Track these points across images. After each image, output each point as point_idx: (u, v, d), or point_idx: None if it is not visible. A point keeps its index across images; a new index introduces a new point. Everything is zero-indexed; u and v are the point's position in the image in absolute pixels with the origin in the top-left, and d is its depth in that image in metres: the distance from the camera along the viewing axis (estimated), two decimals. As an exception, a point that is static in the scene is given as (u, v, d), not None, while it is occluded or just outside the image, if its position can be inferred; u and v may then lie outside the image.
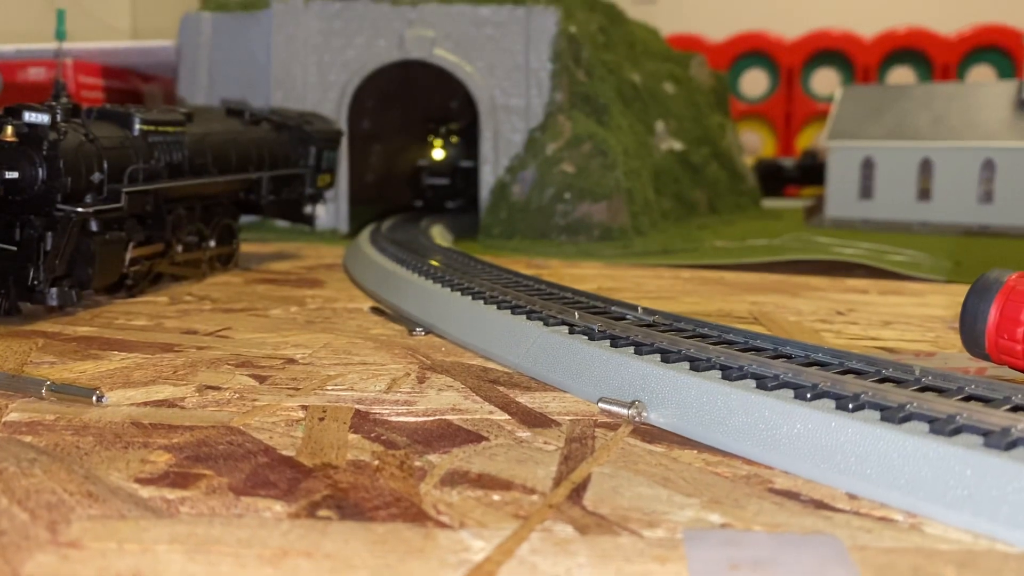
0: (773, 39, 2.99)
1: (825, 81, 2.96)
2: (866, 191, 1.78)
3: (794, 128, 2.97)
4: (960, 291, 0.96)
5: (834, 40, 2.92)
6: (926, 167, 1.72)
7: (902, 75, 2.90)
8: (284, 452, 0.43)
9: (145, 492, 0.38)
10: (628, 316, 0.62)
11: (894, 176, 1.74)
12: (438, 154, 1.66)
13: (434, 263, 0.87)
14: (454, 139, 1.66)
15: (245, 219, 1.23)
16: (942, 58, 2.82)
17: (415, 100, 1.72)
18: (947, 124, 1.73)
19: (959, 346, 0.68)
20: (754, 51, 3.00)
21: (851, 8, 3.08)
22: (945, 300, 0.91)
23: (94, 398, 0.51)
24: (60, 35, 1.05)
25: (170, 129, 0.89)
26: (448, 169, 1.66)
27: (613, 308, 0.64)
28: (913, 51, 2.86)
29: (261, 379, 0.57)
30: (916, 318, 0.81)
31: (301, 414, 0.50)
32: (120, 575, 0.31)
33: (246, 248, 1.13)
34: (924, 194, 1.73)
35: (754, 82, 3.03)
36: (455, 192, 1.66)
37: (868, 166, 1.77)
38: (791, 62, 2.95)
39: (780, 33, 2.99)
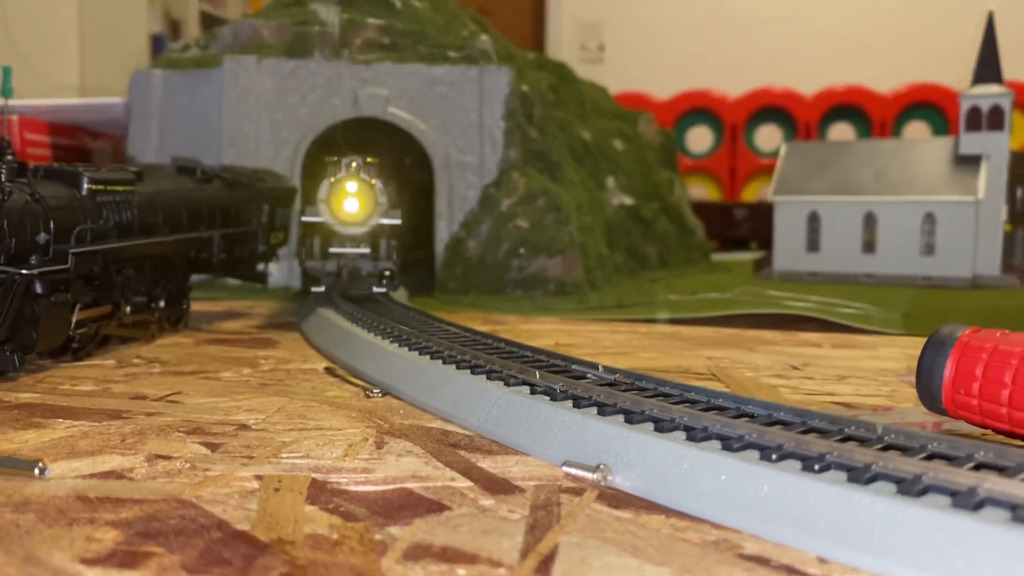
0: (717, 96, 3.06)
1: (768, 137, 3.04)
2: (813, 244, 1.82)
3: (739, 182, 3.03)
4: (911, 343, 0.98)
5: (776, 97, 3.01)
6: (870, 220, 1.76)
7: (841, 131, 2.99)
8: (238, 526, 0.42)
9: (91, 573, 0.36)
10: (589, 375, 0.62)
11: (839, 229, 1.78)
12: (351, 206, 1.04)
13: (391, 322, 0.85)
14: (372, 183, 1.06)
15: (196, 277, 1.21)
16: (879, 114, 2.92)
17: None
18: (889, 179, 1.78)
19: (914, 399, 0.68)
20: (699, 108, 3.07)
21: (792, 66, 3.19)
22: (897, 352, 0.92)
23: (36, 471, 0.48)
24: (6, 93, 1.03)
25: (119, 188, 0.87)
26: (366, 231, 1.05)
27: (574, 367, 0.64)
28: (852, 107, 2.95)
29: (213, 447, 0.55)
30: (870, 372, 0.81)
31: (255, 484, 0.48)
32: (64, 669, 0.29)
33: (196, 307, 1.11)
34: (869, 246, 1.77)
35: (699, 138, 3.10)
36: (379, 270, 1.06)
37: (814, 220, 1.81)
38: (735, 119, 3.03)
39: (724, 91, 3.07)
